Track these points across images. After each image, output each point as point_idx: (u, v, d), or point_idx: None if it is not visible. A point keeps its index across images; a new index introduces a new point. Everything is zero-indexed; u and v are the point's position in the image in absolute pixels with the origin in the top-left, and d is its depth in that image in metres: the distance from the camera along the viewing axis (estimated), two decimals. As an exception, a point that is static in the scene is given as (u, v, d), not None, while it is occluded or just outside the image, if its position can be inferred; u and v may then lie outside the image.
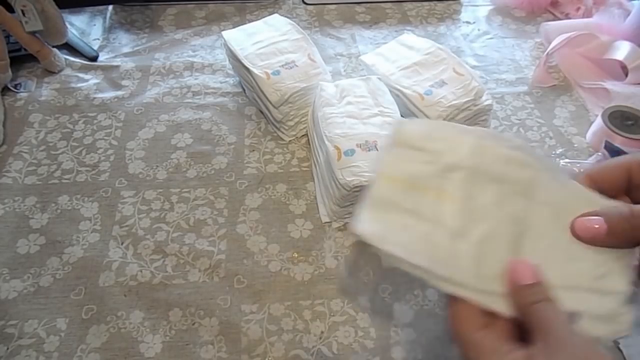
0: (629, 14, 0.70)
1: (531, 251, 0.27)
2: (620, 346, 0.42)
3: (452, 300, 0.27)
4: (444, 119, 0.53)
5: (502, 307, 0.26)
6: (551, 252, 0.28)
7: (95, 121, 0.61)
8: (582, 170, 0.52)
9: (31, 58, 0.66)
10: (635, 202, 0.29)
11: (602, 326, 0.26)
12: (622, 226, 0.27)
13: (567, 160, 0.55)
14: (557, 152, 0.58)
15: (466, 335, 0.26)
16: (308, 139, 0.58)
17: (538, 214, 0.28)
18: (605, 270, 0.27)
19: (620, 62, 0.63)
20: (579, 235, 0.28)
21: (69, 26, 0.69)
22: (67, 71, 0.68)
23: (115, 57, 0.70)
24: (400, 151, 0.30)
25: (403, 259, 0.26)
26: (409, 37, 0.63)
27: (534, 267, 0.26)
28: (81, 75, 0.67)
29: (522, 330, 0.26)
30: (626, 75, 0.63)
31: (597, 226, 0.27)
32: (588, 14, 0.76)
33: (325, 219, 0.51)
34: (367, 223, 0.28)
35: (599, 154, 0.53)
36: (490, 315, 0.26)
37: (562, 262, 0.27)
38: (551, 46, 0.67)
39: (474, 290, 0.26)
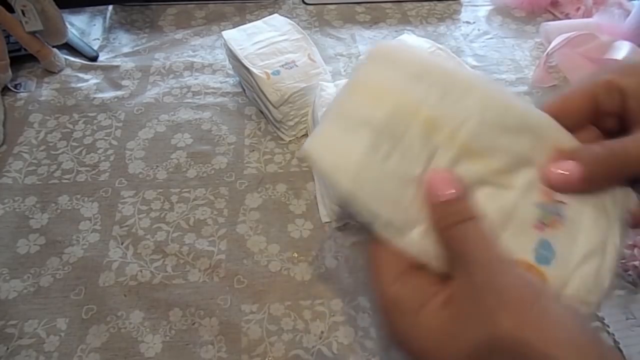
0: (629, 14, 0.70)
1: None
2: (621, 346, 0.42)
3: (372, 245, 0.24)
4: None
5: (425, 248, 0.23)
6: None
7: (95, 121, 0.61)
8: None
9: (31, 58, 0.66)
10: (604, 132, 0.26)
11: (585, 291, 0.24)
12: (600, 169, 0.24)
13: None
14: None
15: (380, 289, 0.22)
16: (308, 139, 0.58)
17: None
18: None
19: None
20: (553, 186, 0.25)
21: (69, 26, 0.69)
22: (67, 71, 0.68)
23: (115, 57, 0.70)
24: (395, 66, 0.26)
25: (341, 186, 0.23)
26: (409, 37, 0.63)
27: (454, 178, 0.23)
28: (81, 75, 0.67)
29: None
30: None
31: (569, 172, 0.24)
32: (588, 14, 0.76)
33: (325, 219, 0.51)
34: (327, 146, 0.24)
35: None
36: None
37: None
38: (551, 46, 0.67)
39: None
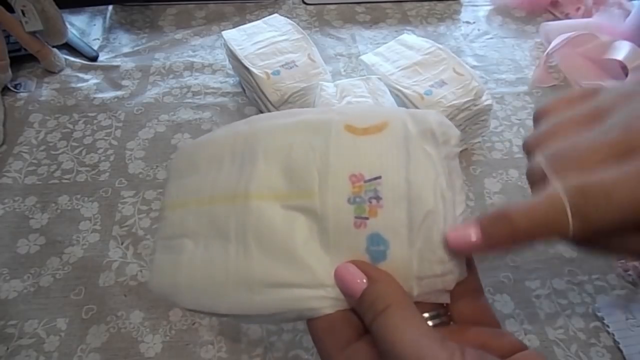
0: (629, 14, 0.70)
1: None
2: (621, 346, 0.42)
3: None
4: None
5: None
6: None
7: (95, 121, 0.61)
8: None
9: (31, 58, 0.66)
10: None
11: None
12: (499, 231, 0.21)
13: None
14: (557, 152, 0.58)
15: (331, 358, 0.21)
16: (308, 139, 0.58)
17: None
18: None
19: (620, 62, 0.63)
20: (453, 247, 0.22)
21: (69, 26, 0.69)
22: (67, 71, 0.68)
23: (115, 57, 0.70)
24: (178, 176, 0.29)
25: (207, 312, 0.24)
26: (409, 37, 0.63)
27: (360, 265, 0.22)
28: (81, 75, 0.67)
29: None
30: (626, 75, 0.63)
31: (473, 238, 0.21)
32: (588, 14, 0.76)
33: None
34: (157, 272, 0.26)
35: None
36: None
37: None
38: (551, 46, 0.67)
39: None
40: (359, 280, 0.21)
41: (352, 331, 0.22)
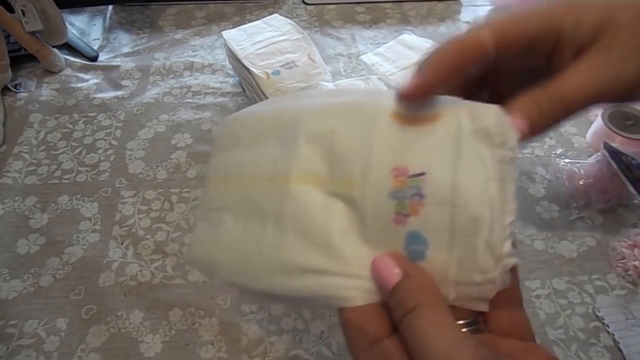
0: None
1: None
2: (620, 346, 0.42)
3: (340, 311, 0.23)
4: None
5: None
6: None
7: (95, 121, 0.61)
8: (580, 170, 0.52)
9: (31, 58, 0.66)
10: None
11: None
12: (543, 119, 0.22)
13: (567, 160, 0.55)
14: (557, 152, 0.58)
15: (356, 357, 0.21)
16: (308, 139, 0.58)
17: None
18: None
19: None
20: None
21: (69, 26, 0.69)
22: (67, 71, 0.68)
23: (115, 57, 0.70)
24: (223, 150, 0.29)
25: (243, 286, 0.25)
26: (409, 37, 0.63)
27: (396, 257, 0.21)
28: (81, 75, 0.67)
29: None
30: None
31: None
32: (588, 14, 0.76)
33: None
34: (196, 244, 0.27)
35: (599, 153, 0.53)
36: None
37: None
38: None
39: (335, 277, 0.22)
40: (390, 272, 0.21)
41: (383, 327, 0.21)
